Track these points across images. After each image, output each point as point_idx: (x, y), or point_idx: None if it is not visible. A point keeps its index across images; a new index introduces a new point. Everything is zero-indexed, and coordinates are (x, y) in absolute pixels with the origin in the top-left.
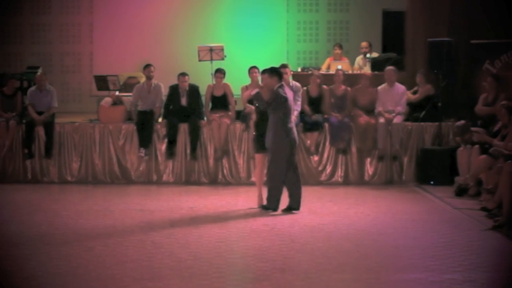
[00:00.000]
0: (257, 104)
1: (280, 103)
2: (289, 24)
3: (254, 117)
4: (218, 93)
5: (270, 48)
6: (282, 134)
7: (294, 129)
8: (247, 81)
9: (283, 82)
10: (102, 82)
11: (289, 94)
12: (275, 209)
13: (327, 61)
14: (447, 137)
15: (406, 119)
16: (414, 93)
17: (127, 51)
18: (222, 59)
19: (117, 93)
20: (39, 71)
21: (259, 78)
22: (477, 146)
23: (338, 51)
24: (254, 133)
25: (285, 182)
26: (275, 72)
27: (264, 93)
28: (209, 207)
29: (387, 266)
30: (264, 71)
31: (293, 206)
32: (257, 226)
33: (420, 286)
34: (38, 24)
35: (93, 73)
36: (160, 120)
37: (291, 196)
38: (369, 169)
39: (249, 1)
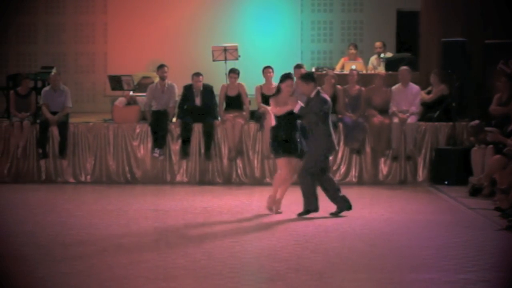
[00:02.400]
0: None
1: (323, 109)
2: (303, 24)
3: (271, 121)
4: (232, 93)
5: (285, 48)
6: (325, 139)
7: (333, 134)
8: (261, 81)
9: (318, 87)
10: (116, 82)
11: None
12: (316, 209)
13: (342, 61)
14: (461, 137)
15: (420, 119)
16: (428, 93)
17: (141, 51)
18: (236, 59)
19: (131, 93)
20: (53, 71)
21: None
22: (491, 146)
23: (353, 51)
24: (282, 137)
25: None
26: (310, 78)
27: (287, 100)
28: (223, 207)
29: (401, 266)
30: (300, 78)
31: (343, 208)
32: (271, 226)
33: (434, 286)
34: (53, 24)
35: (107, 73)
36: (174, 120)
37: (334, 199)
38: (383, 169)
39: (264, 1)
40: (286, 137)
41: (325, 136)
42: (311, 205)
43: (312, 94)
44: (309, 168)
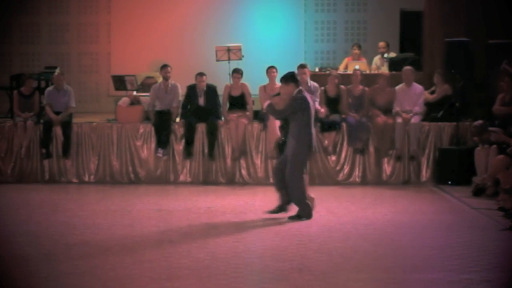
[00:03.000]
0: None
1: (300, 109)
2: (307, 24)
3: (275, 121)
4: (236, 93)
5: (288, 48)
6: (304, 140)
7: (314, 135)
8: (265, 81)
9: (301, 87)
10: (119, 82)
11: (309, 98)
12: (309, 216)
13: (345, 61)
14: (465, 137)
15: (424, 119)
16: (432, 93)
17: (145, 51)
18: (240, 59)
19: (134, 93)
20: (57, 71)
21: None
22: (494, 146)
23: (356, 51)
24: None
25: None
26: (290, 78)
27: (283, 102)
28: (226, 207)
29: (405, 266)
30: (280, 80)
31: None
32: (275, 226)
33: (437, 286)
34: (56, 24)
35: (111, 73)
36: (177, 120)
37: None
38: (387, 169)
39: (267, 1)
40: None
41: (303, 136)
42: (304, 212)
43: (294, 93)
44: (303, 168)
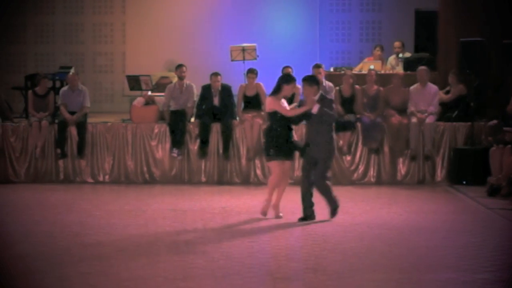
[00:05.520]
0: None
1: (329, 114)
2: (322, 24)
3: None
4: (251, 93)
5: (303, 48)
6: (330, 143)
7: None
8: None
9: (321, 91)
10: (134, 82)
11: None
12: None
13: (365, 61)
14: (480, 137)
15: (439, 119)
16: (447, 93)
17: (159, 51)
18: (255, 59)
19: (149, 93)
20: (72, 71)
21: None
22: (509, 146)
23: (379, 52)
24: (283, 138)
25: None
26: (314, 81)
27: (311, 103)
28: (241, 207)
29: (419, 266)
30: (303, 81)
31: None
32: (289, 226)
33: (452, 286)
34: (71, 24)
35: (126, 73)
36: (192, 120)
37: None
38: (402, 169)
39: (282, 1)
40: (285, 139)
41: (331, 139)
42: (334, 203)
43: (316, 97)
44: (325, 172)
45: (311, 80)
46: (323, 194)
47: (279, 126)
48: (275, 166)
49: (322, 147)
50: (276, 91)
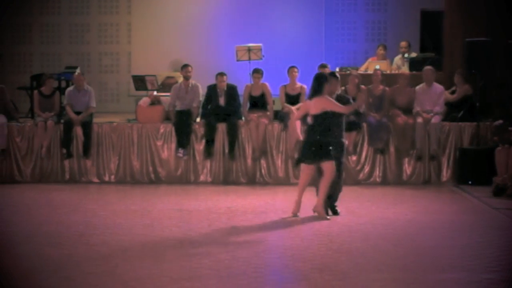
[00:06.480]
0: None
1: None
2: (327, 24)
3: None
4: (256, 93)
5: (308, 48)
6: (342, 140)
7: None
8: (285, 80)
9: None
10: (140, 82)
11: None
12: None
13: (369, 61)
14: (485, 137)
15: (444, 119)
16: (452, 93)
17: (165, 51)
18: (260, 59)
19: (155, 93)
20: (77, 71)
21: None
22: None
23: (382, 51)
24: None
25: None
26: (337, 78)
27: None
28: (247, 207)
29: (425, 266)
30: (332, 76)
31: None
32: (295, 226)
33: (458, 286)
34: (76, 24)
35: (131, 73)
36: (198, 120)
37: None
38: (407, 169)
39: (287, 1)
40: (321, 141)
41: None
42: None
43: (339, 91)
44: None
45: (336, 76)
46: (336, 192)
47: (334, 125)
48: (332, 165)
49: (336, 141)
50: (319, 91)
